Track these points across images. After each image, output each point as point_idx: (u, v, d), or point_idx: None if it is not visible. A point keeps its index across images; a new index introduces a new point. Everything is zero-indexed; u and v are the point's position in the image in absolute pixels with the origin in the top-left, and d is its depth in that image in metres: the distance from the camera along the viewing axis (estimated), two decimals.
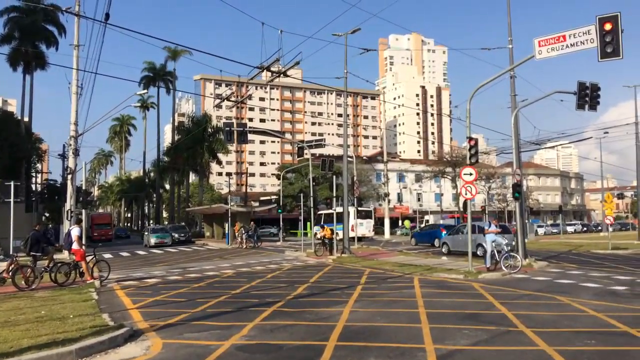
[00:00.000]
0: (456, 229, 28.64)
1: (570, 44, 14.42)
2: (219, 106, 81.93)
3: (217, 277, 17.93)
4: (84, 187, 35.25)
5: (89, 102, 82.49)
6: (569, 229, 68.19)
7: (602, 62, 13.68)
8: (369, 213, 42.59)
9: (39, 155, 58.10)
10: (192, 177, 76.09)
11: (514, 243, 21.02)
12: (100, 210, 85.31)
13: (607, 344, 7.63)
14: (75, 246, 15.85)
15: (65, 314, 9.94)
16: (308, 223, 38.02)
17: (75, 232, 16.15)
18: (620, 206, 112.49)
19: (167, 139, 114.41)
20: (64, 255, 21.63)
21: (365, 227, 41.77)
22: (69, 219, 27.21)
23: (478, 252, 22.76)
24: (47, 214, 65.34)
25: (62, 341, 7.51)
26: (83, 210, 29.92)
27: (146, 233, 44.32)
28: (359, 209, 41.22)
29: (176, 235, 44.59)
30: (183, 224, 56.70)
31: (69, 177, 28.75)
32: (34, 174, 60.02)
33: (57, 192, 57.32)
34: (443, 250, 27.88)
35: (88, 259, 16.37)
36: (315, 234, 28.99)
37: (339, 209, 32.71)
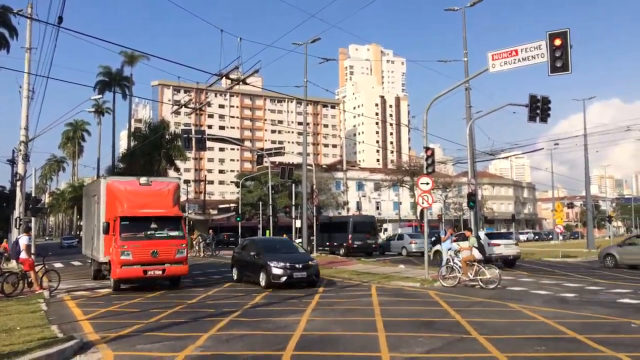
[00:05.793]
0: None
1: (522, 58, 14.91)
2: (177, 113, 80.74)
3: (172, 286, 17.58)
4: (34, 194, 34.03)
5: (41, 106, 79.42)
6: (522, 237, 69.97)
7: (552, 76, 14.19)
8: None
9: None
10: None
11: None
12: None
13: (557, 350, 7.86)
14: (23, 255, 15.36)
15: (12, 326, 9.57)
16: (267, 231, 37.86)
17: (23, 240, 15.66)
18: (571, 215, 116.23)
19: (122, 145, 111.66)
20: (12, 265, 20.84)
21: None
22: (17, 227, 26.27)
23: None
24: None
25: (7, 354, 7.24)
26: (32, 218, 28.90)
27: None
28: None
29: None
30: None
31: (18, 183, 27.79)
32: None
33: (6, 199, 55.13)
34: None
35: (37, 268, 15.86)
36: None
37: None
